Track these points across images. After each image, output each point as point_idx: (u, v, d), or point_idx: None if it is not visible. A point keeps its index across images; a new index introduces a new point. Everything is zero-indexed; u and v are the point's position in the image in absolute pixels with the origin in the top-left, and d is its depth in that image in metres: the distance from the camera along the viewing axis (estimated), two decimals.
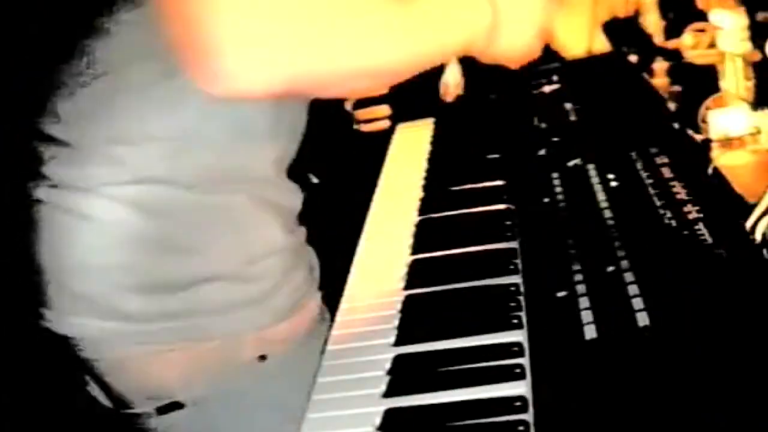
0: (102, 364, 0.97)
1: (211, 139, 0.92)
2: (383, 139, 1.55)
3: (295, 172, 1.08)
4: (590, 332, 0.81)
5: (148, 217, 0.91)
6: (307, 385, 0.91)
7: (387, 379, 0.86)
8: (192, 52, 0.66)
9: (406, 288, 1.02)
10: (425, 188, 1.29)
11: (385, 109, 1.64)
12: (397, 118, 1.59)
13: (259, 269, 0.99)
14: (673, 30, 1.34)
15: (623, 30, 1.53)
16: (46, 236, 0.93)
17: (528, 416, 0.76)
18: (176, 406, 0.99)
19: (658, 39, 1.38)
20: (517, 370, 0.82)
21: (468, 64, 1.75)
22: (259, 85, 0.68)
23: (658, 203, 0.99)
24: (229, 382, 0.98)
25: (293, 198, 1.07)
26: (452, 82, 0.91)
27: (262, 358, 1.00)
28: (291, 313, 1.03)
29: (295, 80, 0.70)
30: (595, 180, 1.10)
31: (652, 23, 1.40)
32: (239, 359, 0.99)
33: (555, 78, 1.54)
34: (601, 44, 1.62)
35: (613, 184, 1.08)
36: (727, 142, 1.06)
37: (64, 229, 0.93)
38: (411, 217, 1.20)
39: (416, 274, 1.04)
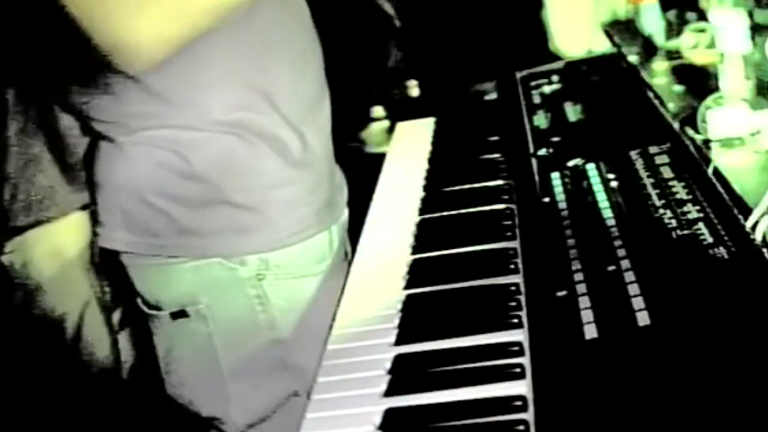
0: (131, 271, 1.15)
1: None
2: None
3: None
4: (590, 332, 0.81)
5: (174, 153, 1.06)
6: (305, 317, 1.11)
7: (387, 378, 0.86)
8: (106, 47, 0.94)
9: (407, 288, 1.02)
10: (425, 188, 1.29)
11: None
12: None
13: (258, 198, 1.08)
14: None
15: (623, 30, 1.54)
16: (101, 161, 1.12)
17: (528, 416, 0.76)
18: (185, 314, 1.12)
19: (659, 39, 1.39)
20: (517, 370, 0.82)
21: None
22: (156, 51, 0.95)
23: (658, 203, 0.99)
24: (227, 298, 1.10)
25: (296, 137, 1.11)
26: None
27: (260, 278, 1.09)
28: (291, 242, 1.11)
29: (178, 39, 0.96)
30: (595, 180, 1.10)
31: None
32: (237, 278, 1.09)
33: (555, 78, 1.54)
34: (601, 44, 1.62)
35: (613, 184, 1.08)
36: (727, 142, 1.06)
37: (112, 157, 1.10)
38: (411, 217, 1.20)
39: (416, 274, 1.04)
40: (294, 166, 1.10)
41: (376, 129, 1.94)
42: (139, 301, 1.17)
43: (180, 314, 1.11)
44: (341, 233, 1.21)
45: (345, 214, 1.23)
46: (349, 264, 1.14)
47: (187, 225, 1.08)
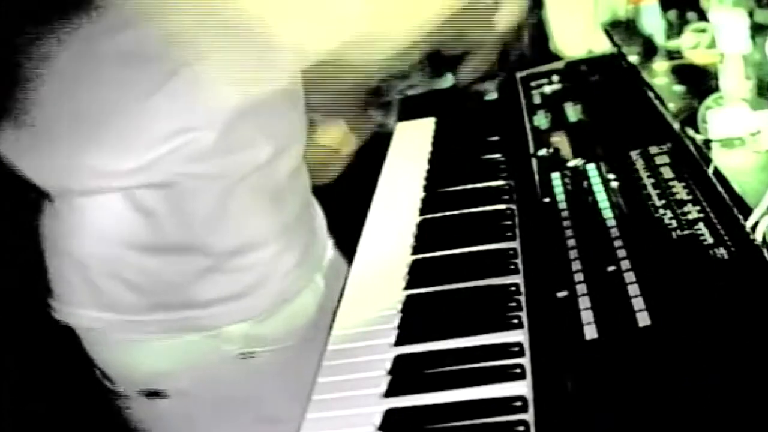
0: (96, 349, 1.02)
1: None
2: (384, 138, 1.55)
3: None
4: (590, 332, 0.81)
5: (146, 216, 0.94)
6: (294, 389, 0.94)
7: (387, 378, 0.86)
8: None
9: (407, 288, 1.02)
10: (425, 188, 1.29)
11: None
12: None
13: (248, 259, 1.01)
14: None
15: (623, 30, 1.54)
16: (52, 228, 0.98)
17: (528, 416, 0.76)
18: (162, 393, 1.02)
19: (659, 39, 1.39)
20: (518, 370, 0.82)
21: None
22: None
23: (658, 203, 0.99)
24: (210, 376, 1.01)
25: (283, 175, 1.06)
26: None
27: (246, 355, 1.01)
28: (280, 307, 1.04)
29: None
30: (595, 180, 1.10)
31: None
32: (222, 354, 1.01)
33: (555, 78, 1.54)
34: (601, 44, 1.62)
35: (614, 184, 1.08)
36: (728, 142, 1.06)
37: (67, 223, 0.96)
38: (411, 217, 1.20)
39: (417, 274, 1.04)
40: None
41: None
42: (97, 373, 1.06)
43: (154, 394, 1.02)
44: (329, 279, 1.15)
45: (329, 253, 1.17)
46: (350, 264, 1.14)
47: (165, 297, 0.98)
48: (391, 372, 0.87)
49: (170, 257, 0.96)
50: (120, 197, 0.93)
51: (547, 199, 1.10)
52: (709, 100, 1.10)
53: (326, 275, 1.14)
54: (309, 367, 0.97)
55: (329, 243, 1.17)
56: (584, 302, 0.86)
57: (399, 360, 0.89)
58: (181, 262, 0.97)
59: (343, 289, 1.06)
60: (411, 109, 1.62)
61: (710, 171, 1.00)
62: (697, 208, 0.95)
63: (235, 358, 1.02)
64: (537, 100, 1.47)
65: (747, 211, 0.87)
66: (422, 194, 1.26)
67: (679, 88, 1.25)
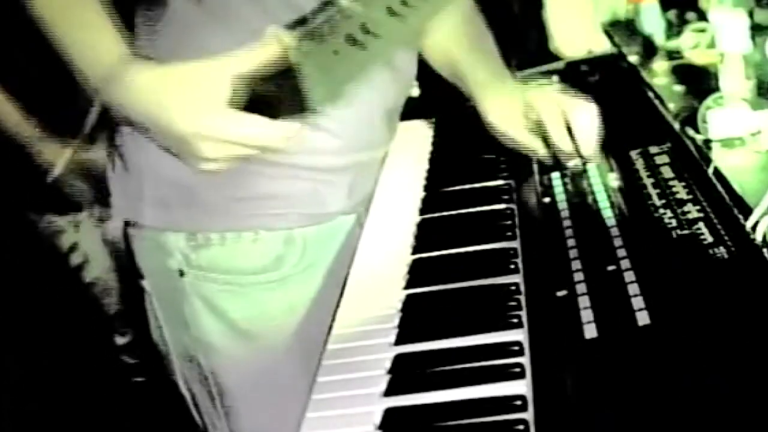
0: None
1: None
2: None
3: None
4: (590, 332, 0.81)
5: None
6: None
7: (387, 378, 0.86)
8: None
9: (407, 287, 1.02)
10: (425, 188, 1.29)
11: None
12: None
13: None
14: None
15: (623, 30, 1.54)
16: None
17: (528, 415, 0.76)
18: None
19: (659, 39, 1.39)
20: (517, 370, 0.82)
21: None
22: None
23: (658, 203, 0.99)
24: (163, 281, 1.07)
25: None
26: None
27: (181, 273, 1.04)
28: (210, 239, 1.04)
29: None
30: (595, 180, 1.10)
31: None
32: (169, 266, 1.05)
33: (555, 78, 1.53)
34: (601, 44, 1.62)
35: (614, 184, 1.08)
36: (728, 142, 1.06)
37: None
38: (411, 217, 1.20)
39: (416, 274, 1.04)
40: None
41: None
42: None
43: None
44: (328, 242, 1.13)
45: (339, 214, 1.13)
46: (349, 265, 1.13)
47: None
48: (390, 371, 0.87)
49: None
50: None
51: (547, 199, 1.10)
52: (709, 100, 1.10)
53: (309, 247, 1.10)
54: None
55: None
56: (584, 301, 0.86)
57: (399, 359, 0.89)
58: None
59: (343, 288, 1.06)
60: (411, 109, 1.61)
61: (710, 171, 1.00)
62: (697, 207, 0.95)
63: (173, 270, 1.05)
64: None
65: (747, 211, 0.87)
66: (422, 194, 1.26)
67: (679, 88, 1.25)
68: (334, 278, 1.10)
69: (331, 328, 0.98)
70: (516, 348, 0.85)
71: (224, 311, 1.06)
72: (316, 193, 1.08)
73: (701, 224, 0.92)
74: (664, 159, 1.10)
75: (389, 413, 0.81)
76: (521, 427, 0.75)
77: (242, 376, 1.08)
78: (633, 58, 1.41)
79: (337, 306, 1.02)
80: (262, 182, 1.03)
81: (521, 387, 0.80)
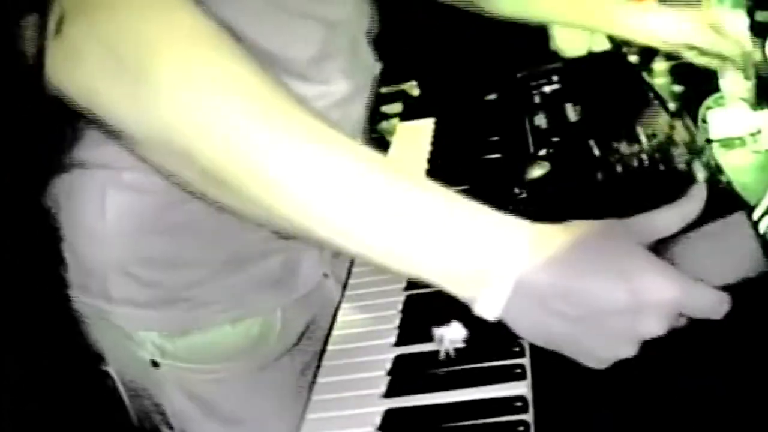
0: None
1: None
2: (384, 139, 1.55)
3: None
4: None
5: None
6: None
7: (387, 379, 0.86)
8: None
9: (407, 288, 1.02)
10: None
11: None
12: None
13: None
14: None
15: None
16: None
17: (528, 416, 0.76)
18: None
19: None
20: (518, 371, 0.82)
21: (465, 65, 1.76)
22: None
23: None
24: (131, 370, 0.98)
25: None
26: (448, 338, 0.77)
27: (155, 364, 0.95)
28: (189, 329, 0.94)
29: None
30: (594, 179, 1.10)
31: None
32: (139, 357, 0.96)
33: (555, 78, 1.54)
34: (601, 44, 1.62)
35: (612, 182, 1.08)
36: (727, 142, 1.06)
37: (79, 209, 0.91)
38: None
39: None
40: None
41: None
42: None
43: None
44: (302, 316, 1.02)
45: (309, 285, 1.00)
46: (349, 268, 1.12)
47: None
48: (391, 372, 0.87)
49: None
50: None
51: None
52: (709, 100, 1.10)
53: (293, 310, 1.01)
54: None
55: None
56: None
57: (399, 360, 0.89)
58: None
59: (343, 289, 1.06)
60: (411, 109, 1.62)
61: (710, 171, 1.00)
62: None
63: (146, 365, 0.95)
64: (537, 100, 1.47)
65: (747, 211, 0.87)
66: None
67: (679, 88, 1.25)
68: (309, 346, 1.02)
69: (331, 328, 0.98)
70: (516, 349, 0.85)
71: (208, 400, 0.97)
72: (291, 265, 0.98)
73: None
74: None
75: (389, 414, 0.81)
76: (522, 428, 0.75)
77: None
78: (633, 58, 1.41)
79: (337, 307, 1.02)
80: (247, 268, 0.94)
81: (522, 388, 0.80)
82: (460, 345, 0.79)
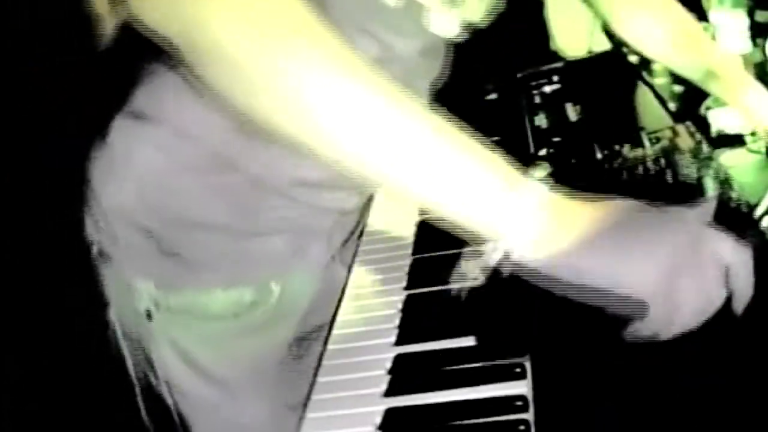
0: None
1: None
2: None
3: None
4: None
5: None
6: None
7: (388, 378, 0.86)
8: None
9: (407, 288, 1.02)
10: None
11: None
12: None
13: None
14: None
15: None
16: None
17: (529, 416, 0.76)
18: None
19: None
20: (518, 370, 0.82)
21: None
22: None
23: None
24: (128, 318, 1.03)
25: None
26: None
27: (149, 315, 0.99)
28: (183, 286, 0.98)
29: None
30: (594, 179, 1.10)
31: None
32: (136, 308, 1.00)
33: (555, 78, 1.54)
34: (601, 44, 1.62)
35: (617, 189, 1.08)
36: (727, 142, 1.06)
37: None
38: (411, 217, 1.20)
39: (416, 274, 1.04)
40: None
41: None
42: None
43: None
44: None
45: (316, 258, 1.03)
46: (349, 267, 1.13)
47: None
48: (391, 371, 0.87)
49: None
50: None
51: None
52: (709, 100, 1.10)
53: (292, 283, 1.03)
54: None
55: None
56: None
57: (399, 359, 0.89)
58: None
59: (343, 288, 1.06)
60: None
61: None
62: None
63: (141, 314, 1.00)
64: (537, 100, 1.47)
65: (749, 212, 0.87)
66: None
67: (679, 88, 1.25)
68: (311, 321, 1.05)
69: (331, 328, 0.99)
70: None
71: (194, 357, 1.01)
72: (296, 247, 1.01)
73: None
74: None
75: (390, 414, 0.81)
76: (522, 427, 0.75)
77: (211, 421, 1.05)
78: (633, 58, 1.41)
79: (337, 307, 1.02)
80: (254, 240, 0.97)
81: (522, 387, 0.80)
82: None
